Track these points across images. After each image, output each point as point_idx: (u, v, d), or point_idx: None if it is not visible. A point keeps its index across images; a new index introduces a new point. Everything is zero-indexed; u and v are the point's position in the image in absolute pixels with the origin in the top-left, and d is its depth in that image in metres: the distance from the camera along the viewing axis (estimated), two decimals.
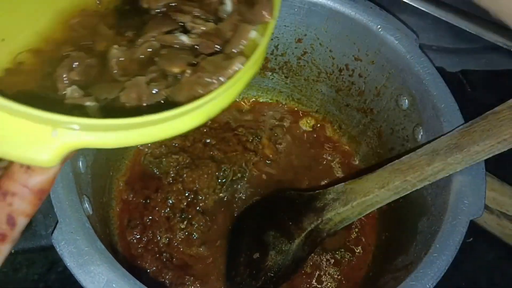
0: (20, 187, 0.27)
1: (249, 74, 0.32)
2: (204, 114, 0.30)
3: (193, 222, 0.55)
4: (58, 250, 0.37)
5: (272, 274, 0.50)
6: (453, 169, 0.43)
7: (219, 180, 0.58)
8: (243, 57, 0.32)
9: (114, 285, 0.36)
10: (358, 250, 0.57)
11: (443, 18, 0.58)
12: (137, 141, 0.28)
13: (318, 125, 0.64)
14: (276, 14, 0.33)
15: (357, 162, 0.63)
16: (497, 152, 0.41)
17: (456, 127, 0.46)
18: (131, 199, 0.56)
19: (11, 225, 0.28)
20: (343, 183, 0.49)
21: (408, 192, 0.45)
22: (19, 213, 0.28)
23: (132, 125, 0.27)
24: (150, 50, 0.34)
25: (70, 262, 0.36)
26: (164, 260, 0.53)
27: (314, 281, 0.54)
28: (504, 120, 0.41)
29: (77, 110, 0.29)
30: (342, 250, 0.56)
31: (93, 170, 0.48)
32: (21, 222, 0.28)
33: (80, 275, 0.36)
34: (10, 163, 0.28)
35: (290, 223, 0.50)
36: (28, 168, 0.27)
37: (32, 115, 0.25)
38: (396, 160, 0.46)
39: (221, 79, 0.31)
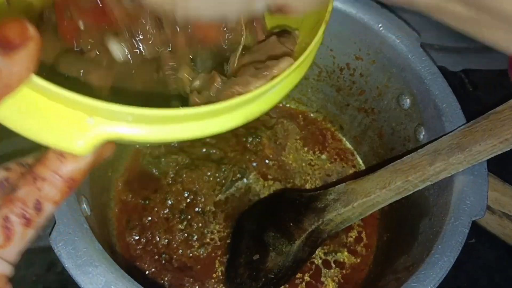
0: (51, 173, 0.27)
1: (296, 76, 0.31)
2: (248, 113, 0.29)
3: (193, 223, 0.55)
4: (56, 251, 0.36)
5: (272, 276, 0.49)
6: (455, 169, 0.43)
7: (219, 181, 0.57)
8: (290, 58, 0.31)
9: (112, 286, 0.35)
10: (359, 251, 0.56)
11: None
12: (176, 137, 0.28)
13: (319, 125, 0.64)
14: (327, 18, 0.32)
15: (358, 162, 0.62)
16: (499, 152, 0.41)
17: (457, 127, 0.46)
18: (130, 199, 0.56)
19: (38, 210, 0.28)
20: (344, 184, 0.49)
21: (410, 192, 0.45)
22: (47, 199, 0.28)
23: (174, 119, 0.27)
24: None
25: (68, 263, 0.36)
26: (163, 261, 0.53)
27: (315, 282, 0.54)
28: (505, 120, 0.41)
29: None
30: (344, 251, 0.56)
31: (92, 170, 0.48)
32: (48, 208, 0.28)
33: (78, 276, 0.36)
34: (46, 150, 0.28)
35: (291, 223, 0.50)
36: (61, 155, 0.27)
37: (70, 99, 0.25)
38: (398, 160, 0.46)
39: (267, 74, 0.30)
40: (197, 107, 0.27)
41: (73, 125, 0.26)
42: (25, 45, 0.24)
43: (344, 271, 0.55)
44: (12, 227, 0.27)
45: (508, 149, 0.41)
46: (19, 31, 0.24)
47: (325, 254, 0.56)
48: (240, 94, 0.29)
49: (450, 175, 0.43)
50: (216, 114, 0.28)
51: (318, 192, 0.50)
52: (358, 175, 0.49)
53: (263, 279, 0.49)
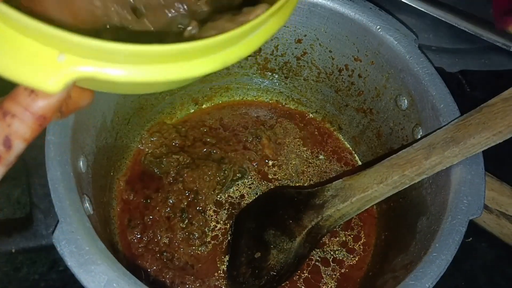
0: (21, 109, 0.27)
1: (275, 22, 0.30)
2: (227, 56, 0.28)
3: (194, 222, 0.55)
4: (58, 249, 0.37)
5: (274, 273, 0.50)
6: (450, 162, 0.43)
7: (219, 180, 0.58)
8: (266, 4, 0.30)
9: (115, 284, 0.36)
10: (357, 250, 0.57)
11: (442, 19, 0.59)
12: (150, 79, 0.26)
13: (318, 125, 0.65)
14: None
15: (356, 162, 0.63)
16: (492, 144, 0.42)
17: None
18: (131, 199, 0.56)
19: (7, 147, 0.27)
20: (341, 179, 0.49)
21: (407, 186, 0.45)
22: (16, 136, 0.27)
23: (148, 56, 0.26)
24: None
25: (71, 262, 0.36)
26: (165, 259, 0.53)
27: (314, 281, 0.54)
28: (498, 113, 0.42)
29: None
30: (342, 249, 0.56)
31: (94, 170, 0.48)
32: (18, 146, 0.27)
33: (80, 274, 0.36)
34: (15, 86, 0.27)
35: (290, 221, 0.50)
36: (32, 92, 0.26)
37: (38, 30, 0.24)
38: (393, 155, 0.46)
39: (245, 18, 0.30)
40: (174, 44, 0.25)
41: (44, 62, 0.25)
42: None
43: (342, 270, 0.55)
44: None
45: (502, 141, 0.42)
46: None
47: (324, 252, 0.56)
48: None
49: (445, 167, 0.44)
50: (194, 54, 0.27)
51: (316, 188, 0.51)
52: (354, 171, 0.50)
53: (266, 277, 0.50)
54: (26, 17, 0.24)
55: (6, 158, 0.27)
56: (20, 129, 0.27)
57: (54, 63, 0.25)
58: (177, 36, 0.33)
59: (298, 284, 0.54)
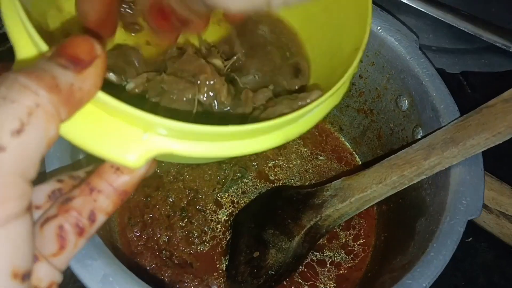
0: (107, 185, 0.28)
1: (331, 101, 0.34)
2: (288, 133, 0.32)
3: (193, 221, 0.55)
4: None
5: (273, 272, 0.50)
6: (449, 162, 0.43)
7: (219, 179, 0.58)
8: (319, 90, 0.34)
9: (111, 278, 0.36)
10: (357, 250, 0.57)
11: (442, 19, 0.59)
12: (224, 154, 0.30)
13: (319, 126, 0.65)
14: (363, 46, 0.34)
15: (357, 163, 0.63)
16: (492, 145, 0.42)
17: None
18: (131, 197, 0.56)
19: (92, 221, 0.28)
20: (340, 179, 0.49)
21: (406, 186, 0.45)
22: (101, 210, 0.28)
23: (222, 136, 0.29)
24: None
25: None
26: (164, 257, 0.54)
27: (313, 281, 0.54)
28: (498, 114, 0.41)
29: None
30: (341, 250, 0.56)
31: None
32: (101, 219, 0.29)
33: (77, 269, 0.36)
34: (99, 163, 0.29)
35: (289, 220, 0.50)
36: (117, 169, 0.28)
37: (128, 113, 0.26)
38: (393, 155, 0.46)
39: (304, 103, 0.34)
40: (242, 126, 0.28)
41: (129, 140, 0.27)
42: (94, 63, 0.25)
43: (341, 271, 0.55)
44: (66, 236, 0.27)
45: (501, 141, 0.41)
46: (87, 49, 0.25)
47: (322, 253, 0.56)
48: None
49: (444, 168, 0.44)
50: (260, 133, 0.30)
51: (315, 188, 0.51)
52: (354, 171, 0.49)
53: (264, 276, 0.50)
54: (119, 102, 0.25)
55: (89, 231, 0.28)
56: (104, 204, 0.28)
57: (139, 141, 0.27)
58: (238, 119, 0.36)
59: (297, 284, 0.54)
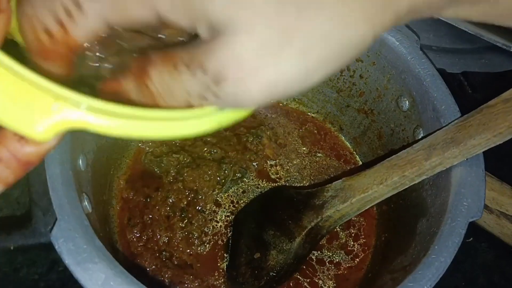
0: (7, 154, 0.26)
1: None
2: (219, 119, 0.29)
3: (193, 221, 0.55)
4: (56, 247, 0.37)
5: (274, 273, 0.50)
6: (450, 163, 0.43)
7: (220, 180, 0.58)
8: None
9: (112, 282, 0.36)
10: (357, 251, 0.57)
11: (443, 19, 0.58)
12: (139, 134, 0.27)
13: (319, 126, 0.65)
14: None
15: (357, 163, 0.63)
16: (493, 145, 0.42)
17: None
18: (131, 197, 0.56)
19: None
20: (341, 180, 0.49)
21: (406, 186, 0.45)
22: None
23: (141, 117, 0.26)
24: None
25: (69, 260, 0.36)
26: (164, 258, 0.53)
27: (312, 281, 0.54)
28: (499, 114, 0.41)
29: (86, 88, 0.28)
30: (341, 251, 0.56)
31: (94, 168, 0.48)
32: None
33: (78, 272, 0.36)
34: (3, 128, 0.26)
35: (290, 221, 0.50)
36: (22, 137, 0.26)
37: (29, 80, 0.24)
38: (393, 156, 0.46)
39: None
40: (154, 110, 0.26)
41: (37, 108, 0.24)
42: None
43: (341, 271, 0.55)
44: None
45: (502, 142, 0.41)
46: None
47: (323, 254, 0.56)
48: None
49: (445, 168, 0.44)
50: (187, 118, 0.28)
51: (316, 189, 0.51)
52: (354, 171, 0.49)
53: (265, 277, 0.50)
54: (23, 68, 0.23)
55: None
56: (3, 173, 0.26)
57: (47, 112, 0.25)
58: None
59: (298, 284, 0.54)
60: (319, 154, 0.63)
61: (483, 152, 0.44)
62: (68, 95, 0.24)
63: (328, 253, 0.56)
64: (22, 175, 0.27)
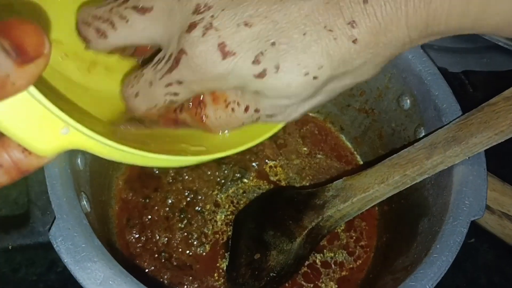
0: (9, 162, 0.27)
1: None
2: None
3: (192, 222, 0.55)
4: (55, 246, 0.37)
5: (274, 274, 0.49)
6: (452, 161, 0.43)
7: (219, 180, 0.58)
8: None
9: (110, 281, 0.36)
10: (358, 251, 0.56)
11: None
12: (126, 161, 0.32)
13: (320, 125, 0.64)
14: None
15: (358, 163, 0.63)
16: (494, 144, 0.42)
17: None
18: (130, 198, 0.56)
19: None
20: (341, 179, 0.49)
21: (408, 186, 0.45)
22: None
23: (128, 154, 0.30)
24: None
25: (67, 259, 0.36)
26: (163, 259, 0.53)
27: (314, 282, 0.54)
28: (500, 112, 0.41)
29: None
30: (343, 251, 0.56)
31: (92, 168, 0.48)
32: None
33: (77, 271, 0.36)
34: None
35: (290, 221, 0.50)
36: (25, 149, 0.27)
37: (49, 109, 0.26)
38: (394, 155, 0.46)
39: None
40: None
41: (47, 129, 0.27)
42: (37, 61, 0.23)
43: (343, 272, 0.55)
44: None
45: (503, 140, 0.41)
46: (36, 42, 0.23)
47: (324, 254, 0.56)
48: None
49: (447, 167, 0.43)
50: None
51: (316, 189, 0.50)
52: (355, 171, 0.49)
53: (266, 278, 0.49)
54: (42, 96, 0.25)
55: None
56: (1, 179, 0.27)
57: (56, 133, 0.27)
58: None
59: (299, 285, 0.54)
60: (319, 155, 0.62)
61: (485, 152, 0.44)
62: (76, 126, 0.27)
63: (330, 254, 0.56)
64: (16, 180, 0.28)
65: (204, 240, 0.55)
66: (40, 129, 0.27)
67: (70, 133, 0.27)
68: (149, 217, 0.55)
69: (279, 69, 0.30)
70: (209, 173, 0.57)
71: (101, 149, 0.30)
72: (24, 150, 0.27)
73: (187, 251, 0.54)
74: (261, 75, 0.30)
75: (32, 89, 0.25)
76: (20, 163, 0.27)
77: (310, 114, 0.65)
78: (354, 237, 0.57)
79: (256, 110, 0.33)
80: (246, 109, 0.33)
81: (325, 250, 0.56)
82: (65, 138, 0.28)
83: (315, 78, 0.30)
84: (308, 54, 0.29)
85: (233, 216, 0.56)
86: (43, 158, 0.28)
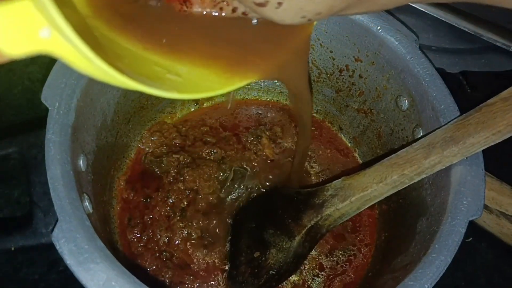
0: None
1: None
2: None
3: (193, 221, 0.55)
4: (58, 248, 0.37)
5: (274, 272, 0.50)
6: (450, 161, 0.43)
7: (220, 180, 0.58)
8: None
9: (113, 283, 0.36)
10: (357, 251, 0.57)
11: (443, 19, 0.59)
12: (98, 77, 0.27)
13: (319, 125, 0.65)
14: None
15: (357, 163, 0.63)
16: (492, 144, 0.42)
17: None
18: (131, 198, 0.56)
19: None
20: (340, 179, 0.49)
21: (406, 185, 0.45)
22: None
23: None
24: None
25: (70, 260, 0.36)
26: (164, 259, 0.53)
27: (313, 281, 0.54)
28: (497, 112, 0.41)
29: None
30: (342, 250, 0.56)
31: (94, 169, 0.48)
32: None
33: (79, 273, 0.36)
34: None
35: (290, 220, 0.50)
36: None
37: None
38: (393, 155, 0.46)
39: None
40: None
41: (25, 29, 0.23)
42: None
43: (342, 270, 0.55)
44: None
45: (501, 140, 0.41)
46: None
47: (323, 253, 0.56)
48: None
49: (444, 167, 0.44)
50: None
51: (316, 188, 0.51)
52: (354, 171, 0.49)
53: (265, 276, 0.50)
54: None
55: None
56: None
57: (34, 35, 0.24)
58: None
59: (298, 284, 0.54)
60: (318, 154, 0.63)
61: (483, 152, 0.44)
62: (60, 22, 0.23)
63: (329, 254, 0.56)
64: None
65: (205, 239, 0.55)
66: (14, 24, 0.23)
67: (51, 37, 0.23)
68: (150, 216, 0.55)
69: (281, 6, 0.30)
70: (209, 173, 0.57)
71: (78, 62, 0.25)
72: None
73: (188, 250, 0.54)
74: (262, 4, 0.30)
75: None
76: None
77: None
78: (353, 236, 0.57)
79: (244, 13, 0.34)
80: (234, 10, 0.34)
81: (324, 248, 0.56)
82: (42, 42, 0.23)
83: (309, 20, 0.31)
84: (313, 1, 0.30)
85: (233, 215, 0.56)
86: (4, 57, 0.24)
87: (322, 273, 0.55)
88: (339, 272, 0.55)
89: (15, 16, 0.23)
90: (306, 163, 0.62)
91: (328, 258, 0.56)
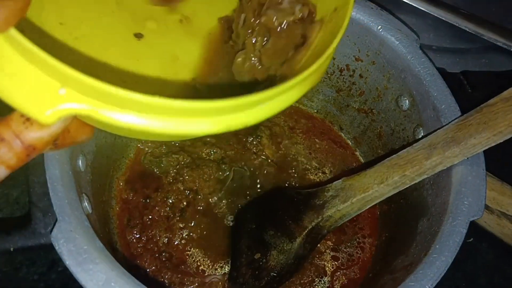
0: (11, 135, 0.26)
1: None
2: (229, 120, 0.31)
3: (193, 222, 0.55)
4: (57, 248, 0.37)
5: (275, 274, 0.49)
6: (451, 162, 0.43)
7: (219, 180, 0.58)
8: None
9: (113, 283, 0.36)
10: (357, 251, 0.56)
11: (443, 18, 0.58)
12: (152, 128, 0.26)
13: (319, 125, 0.64)
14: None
15: (357, 163, 0.63)
16: (493, 144, 0.42)
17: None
18: (131, 198, 0.56)
19: None
20: (341, 180, 0.49)
21: (407, 186, 0.45)
22: (1, 162, 0.26)
23: (157, 107, 0.26)
24: None
25: (69, 260, 0.36)
26: (164, 259, 0.53)
27: (314, 281, 0.54)
28: (499, 113, 0.41)
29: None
30: (342, 251, 0.56)
31: (93, 169, 0.48)
32: (1, 172, 0.27)
33: (79, 273, 0.36)
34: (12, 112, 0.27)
35: (290, 221, 0.50)
36: (27, 120, 0.26)
37: (44, 61, 0.24)
38: (394, 155, 0.46)
39: None
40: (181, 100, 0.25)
41: (44, 92, 0.25)
42: None
43: (342, 271, 0.55)
44: None
45: (502, 140, 0.41)
46: None
47: (323, 254, 0.56)
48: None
49: (446, 167, 0.44)
50: (197, 113, 0.28)
51: (316, 189, 0.50)
52: (355, 171, 0.49)
53: (266, 278, 0.50)
54: (34, 46, 0.24)
55: None
56: (6, 156, 0.26)
57: (54, 95, 0.25)
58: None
59: (298, 284, 0.54)
60: (318, 154, 0.62)
61: (484, 152, 0.44)
62: (73, 74, 0.24)
63: (329, 253, 0.56)
64: (25, 160, 0.27)
65: (204, 239, 0.55)
66: (34, 88, 0.25)
67: (69, 92, 0.25)
68: (150, 217, 0.55)
69: None
70: (209, 173, 0.57)
71: (112, 115, 0.25)
72: (26, 121, 0.26)
73: (188, 251, 0.54)
74: None
75: (14, 31, 0.23)
76: (22, 135, 0.26)
77: (310, 114, 0.65)
78: (353, 236, 0.57)
79: None
80: None
81: (324, 248, 0.56)
82: (64, 99, 0.25)
83: None
84: None
85: (234, 216, 0.56)
86: (46, 129, 0.26)
87: (322, 273, 0.55)
88: (339, 273, 0.55)
89: (36, 79, 0.25)
90: (305, 160, 0.61)
91: (328, 259, 0.56)
